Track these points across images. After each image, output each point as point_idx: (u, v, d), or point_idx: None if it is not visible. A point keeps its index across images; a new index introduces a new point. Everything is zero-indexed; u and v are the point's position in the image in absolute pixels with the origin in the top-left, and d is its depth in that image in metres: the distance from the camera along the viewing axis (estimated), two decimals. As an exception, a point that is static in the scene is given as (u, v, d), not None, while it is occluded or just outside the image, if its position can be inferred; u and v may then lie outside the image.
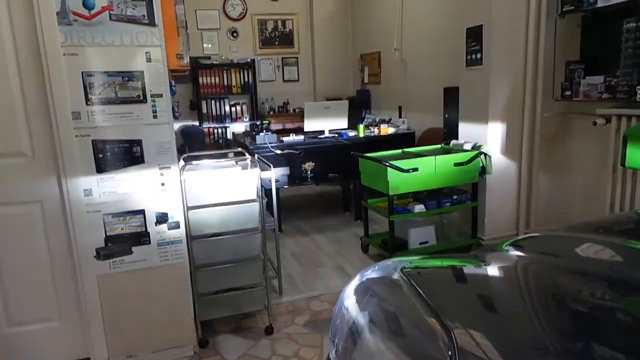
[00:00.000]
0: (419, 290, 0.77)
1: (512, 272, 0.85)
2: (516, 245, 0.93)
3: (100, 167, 2.10)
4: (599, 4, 2.66)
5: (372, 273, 0.97)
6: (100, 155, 2.08)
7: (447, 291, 0.84)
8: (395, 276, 0.88)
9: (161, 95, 2.12)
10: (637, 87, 2.51)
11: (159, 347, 2.33)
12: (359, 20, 6.58)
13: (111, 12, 1.97)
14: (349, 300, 0.94)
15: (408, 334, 0.76)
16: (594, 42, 2.99)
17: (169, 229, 2.28)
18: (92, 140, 2.06)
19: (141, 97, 2.09)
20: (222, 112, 6.29)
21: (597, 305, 0.76)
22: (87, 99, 2.01)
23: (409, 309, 0.76)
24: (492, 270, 0.86)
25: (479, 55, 3.21)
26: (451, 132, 3.92)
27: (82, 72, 1.98)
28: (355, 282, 1.01)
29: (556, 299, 0.76)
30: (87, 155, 2.06)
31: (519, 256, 0.88)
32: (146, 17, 2.01)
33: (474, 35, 3.23)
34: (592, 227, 1.08)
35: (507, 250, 0.91)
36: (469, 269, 0.87)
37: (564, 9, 2.92)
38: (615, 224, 1.14)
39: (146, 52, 2.06)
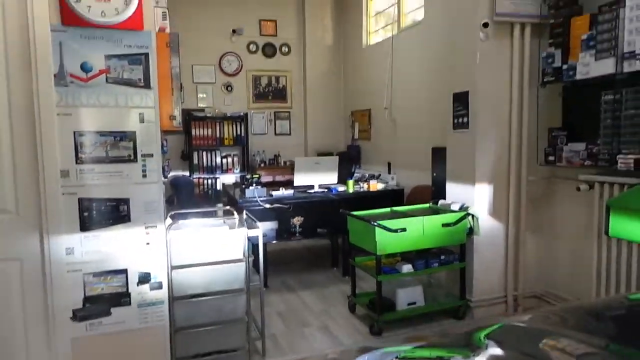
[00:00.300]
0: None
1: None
2: (495, 339, 0.91)
3: (85, 226, 2.07)
4: (578, 77, 2.78)
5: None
6: (86, 214, 2.07)
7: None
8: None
9: (152, 155, 2.13)
10: (618, 156, 2.58)
11: (133, 416, 2.21)
12: (350, 79, 6.82)
13: (108, 75, 2.02)
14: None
15: None
16: (575, 111, 3.11)
17: (151, 290, 2.22)
18: (79, 199, 2.05)
19: (132, 157, 2.11)
20: (213, 164, 6.33)
21: None
22: (77, 158, 2.02)
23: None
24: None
25: (465, 119, 3.31)
26: (439, 190, 3.96)
27: (74, 132, 2.00)
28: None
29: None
30: (72, 213, 2.04)
31: (496, 356, 0.85)
32: (142, 80, 2.07)
33: (460, 100, 3.35)
34: (579, 314, 1.07)
35: (486, 344, 0.89)
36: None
37: (545, 80, 3.06)
38: (605, 310, 1.13)
39: (140, 113, 2.10)
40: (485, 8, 3.13)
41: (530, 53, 3.22)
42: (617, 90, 2.62)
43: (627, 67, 2.48)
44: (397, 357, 0.88)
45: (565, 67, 2.90)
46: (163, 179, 2.27)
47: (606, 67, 2.60)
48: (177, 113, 2.23)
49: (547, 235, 3.45)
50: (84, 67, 1.98)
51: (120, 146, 2.08)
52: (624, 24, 2.49)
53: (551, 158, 3.12)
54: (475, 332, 0.96)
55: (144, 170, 2.13)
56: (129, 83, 2.07)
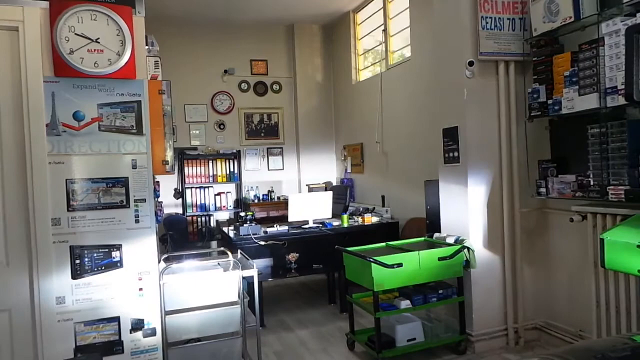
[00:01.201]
0: None
1: None
2: None
3: (76, 273, 2.05)
4: (563, 111, 2.85)
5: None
6: (77, 261, 2.04)
7: None
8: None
9: (145, 200, 2.13)
10: (608, 187, 2.61)
11: None
12: (342, 115, 6.92)
13: (100, 123, 2.04)
14: None
15: None
16: (563, 143, 3.16)
17: (144, 337, 2.17)
18: (70, 246, 2.03)
19: (124, 203, 2.10)
20: (207, 201, 6.32)
21: None
22: (68, 206, 2.01)
23: None
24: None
25: (455, 154, 3.36)
26: (433, 222, 3.97)
27: (66, 180, 2.00)
28: None
29: None
30: (63, 261, 2.02)
31: None
32: (134, 127, 2.09)
33: (450, 135, 3.40)
34: (584, 356, 1.05)
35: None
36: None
37: (531, 114, 3.12)
38: (608, 352, 1.11)
39: (132, 159, 2.11)
40: (469, 47, 3.23)
41: (516, 89, 3.30)
42: (602, 124, 2.67)
43: (611, 102, 2.54)
44: None
45: (550, 102, 2.96)
46: (156, 223, 2.26)
47: (590, 102, 2.66)
48: (170, 157, 2.24)
49: (544, 266, 3.44)
50: (77, 116, 2.00)
51: (112, 192, 2.08)
52: (604, 61, 2.57)
53: (542, 190, 3.15)
54: None
55: (136, 216, 2.12)
56: (121, 130, 2.09)
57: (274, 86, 6.96)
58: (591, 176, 2.76)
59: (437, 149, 3.60)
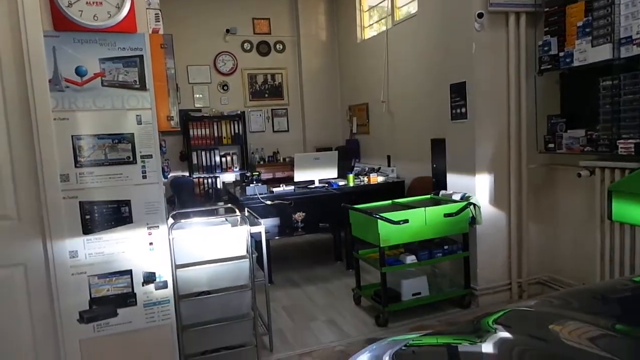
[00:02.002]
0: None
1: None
2: (503, 324, 0.92)
3: (87, 229, 2.08)
4: (575, 64, 2.78)
5: (364, 358, 0.93)
6: (88, 217, 2.07)
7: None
8: (387, 361, 0.85)
9: (151, 156, 2.13)
10: (618, 141, 2.58)
11: (143, 416, 2.22)
12: (347, 74, 6.80)
13: (103, 78, 2.02)
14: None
15: None
16: (573, 98, 3.10)
17: (156, 289, 2.23)
18: (80, 202, 2.05)
19: (131, 159, 2.11)
20: (213, 163, 6.34)
21: None
22: (76, 162, 2.02)
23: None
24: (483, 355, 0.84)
25: (463, 110, 3.31)
26: (439, 181, 3.97)
27: (72, 136, 2.00)
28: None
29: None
30: (73, 217, 2.05)
31: (505, 339, 0.86)
32: (137, 82, 2.06)
33: (458, 91, 3.35)
34: (584, 298, 1.07)
35: (495, 330, 0.90)
36: (463, 349, 0.84)
37: (542, 68, 3.05)
38: (609, 293, 1.13)
39: (137, 115, 2.09)
40: (479, -1, 3.12)
41: (527, 42, 3.21)
42: (614, 75, 2.61)
43: (625, 53, 2.47)
44: (404, 346, 0.88)
45: (561, 54, 2.89)
46: (163, 179, 2.27)
47: (603, 53, 2.60)
48: (174, 113, 2.23)
49: (550, 222, 3.45)
50: (79, 72, 1.98)
51: (118, 148, 2.08)
52: (619, 9, 2.48)
53: (551, 145, 3.12)
54: (483, 319, 0.97)
55: (143, 172, 2.13)
56: (124, 85, 2.06)
57: (277, 46, 6.82)
58: (601, 130, 2.72)
59: (444, 106, 3.55)
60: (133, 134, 2.10)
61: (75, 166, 2.02)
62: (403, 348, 0.87)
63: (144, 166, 2.13)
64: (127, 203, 2.13)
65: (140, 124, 2.10)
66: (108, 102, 2.04)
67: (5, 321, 2.06)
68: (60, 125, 1.98)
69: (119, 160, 2.09)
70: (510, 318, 0.94)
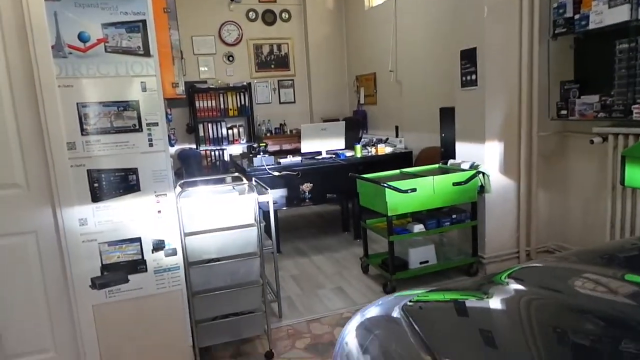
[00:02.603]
0: (419, 332, 0.74)
1: (513, 308, 0.83)
2: (516, 278, 0.91)
3: (96, 196, 2.08)
4: (591, 26, 2.69)
5: (373, 311, 0.94)
6: (96, 185, 2.07)
7: (449, 330, 0.81)
8: (396, 314, 0.86)
9: (157, 124, 2.12)
10: (633, 106, 2.51)
11: (156, 378, 2.29)
12: (354, 43, 6.67)
13: (106, 44, 1.98)
14: (350, 339, 0.91)
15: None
16: (588, 63, 3.02)
17: (165, 256, 2.25)
18: (87, 170, 2.05)
19: (137, 126, 2.09)
20: (219, 135, 6.32)
21: (594, 345, 0.75)
22: (82, 130, 2.01)
23: (409, 352, 0.73)
24: (494, 306, 0.84)
25: (473, 77, 3.24)
26: (448, 151, 3.93)
27: (77, 103, 1.99)
28: (356, 321, 0.98)
29: (556, 337, 0.75)
30: (82, 185, 2.05)
31: (519, 290, 0.86)
32: (141, 48, 2.03)
33: (468, 57, 3.26)
34: (594, 255, 1.06)
35: (507, 283, 0.89)
36: (471, 304, 0.85)
37: (556, 31, 2.96)
38: (617, 251, 1.12)
39: (141, 82, 2.07)
40: (492, -43, 3.00)
41: (540, 4, 3.10)
42: (631, 38, 2.52)
43: (643, 12, 2.38)
44: (410, 301, 0.88)
45: (577, 17, 2.79)
46: (170, 147, 2.26)
47: (621, 14, 2.50)
48: (179, 80, 2.20)
49: (559, 190, 3.42)
50: (82, 37, 1.95)
51: (124, 116, 2.07)
52: (639, -35, 2.38)
53: (563, 112, 3.05)
54: (496, 275, 0.96)
55: (150, 140, 2.12)
56: (128, 52, 2.03)
57: (283, 14, 6.68)
58: (615, 95, 2.65)
59: (454, 75, 3.48)
60: (138, 101, 2.08)
61: (82, 134, 2.02)
62: (409, 303, 0.87)
63: (150, 134, 2.12)
64: (135, 171, 2.12)
65: (145, 91, 2.08)
66: (112, 69, 2.02)
67: (20, 288, 2.11)
68: (65, 93, 1.97)
69: (125, 128, 2.08)
70: (522, 273, 0.94)
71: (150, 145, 2.12)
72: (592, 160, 3.08)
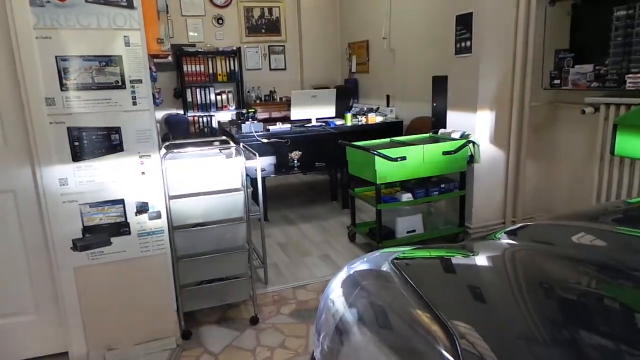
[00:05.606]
0: (412, 282, 0.72)
1: (504, 259, 0.82)
2: (509, 233, 0.90)
3: (77, 156, 2.01)
4: (589, -9, 2.63)
5: (360, 265, 0.92)
6: (77, 143, 2.00)
7: (440, 283, 0.80)
8: (385, 268, 0.83)
9: (141, 81, 2.03)
10: (627, 76, 2.49)
11: (140, 340, 2.28)
12: (347, 9, 6.49)
13: (86, -8, 1.87)
14: (336, 295, 0.89)
15: (399, 330, 0.72)
16: (584, 31, 2.97)
17: (149, 219, 2.21)
18: (68, 128, 1.97)
19: (120, 83, 2.01)
20: (208, 101, 6.18)
21: (588, 292, 0.75)
22: (61, 85, 1.92)
23: (401, 303, 0.71)
24: (484, 259, 0.83)
25: (468, 44, 3.17)
26: (439, 120, 3.89)
27: (56, 56, 1.89)
28: (342, 275, 0.96)
29: (547, 287, 0.74)
30: (62, 143, 1.98)
31: (510, 244, 0.84)
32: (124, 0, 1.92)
33: (464, 23, 3.19)
34: (582, 215, 1.06)
35: (500, 239, 0.88)
36: (460, 259, 0.83)
37: (554, -4, 2.89)
38: (604, 212, 1.12)
39: (125, 36, 1.97)
40: None
41: (539, -33, 3.02)
42: (630, 5, 2.47)
43: (644, -23, 2.32)
44: (395, 258, 0.86)
45: (576, -19, 2.72)
46: (155, 107, 2.18)
47: (620, -22, 2.44)
48: (164, 36, 2.10)
49: (548, 162, 3.42)
50: (60, -16, 1.83)
51: (106, 72, 1.97)
52: None
53: (557, 82, 3.02)
54: (490, 234, 0.95)
55: (133, 97, 2.04)
56: (109, 2, 1.92)
57: (275, -24, 6.45)
58: (610, 65, 2.62)
59: (448, 42, 3.40)
60: (121, 56, 1.98)
61: (61, 89, 1.93)
62: (399, 257, 0.85)
63: (133, 92, 2.03)
64: (117, 130, 2.05)
65: (129, 45, 1.98)
66: (93, 21, 1.91)
67: (-1, 248, 2.06)
68: (43, 44, 1.87)
69: (107, 84, 1.99)
70: (517, 229, 0.93)
71: (134, 103, 2.04)
72: (582, 130, 3.07)
